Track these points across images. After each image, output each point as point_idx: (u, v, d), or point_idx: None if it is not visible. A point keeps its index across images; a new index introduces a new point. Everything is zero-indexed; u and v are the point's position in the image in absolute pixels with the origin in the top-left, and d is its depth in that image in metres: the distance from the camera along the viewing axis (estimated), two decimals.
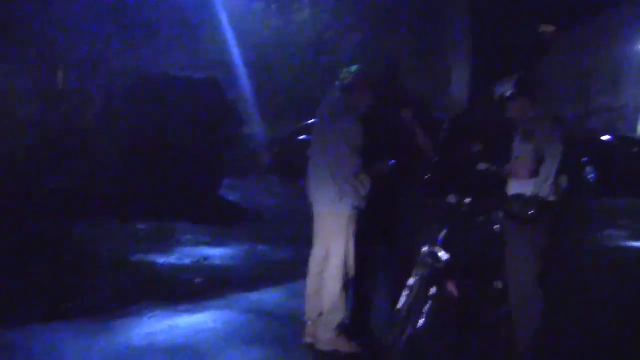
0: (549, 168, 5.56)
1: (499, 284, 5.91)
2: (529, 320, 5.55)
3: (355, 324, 6.15)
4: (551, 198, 5.54)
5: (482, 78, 27.64)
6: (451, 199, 5.65)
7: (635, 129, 32.44)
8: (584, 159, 22.18)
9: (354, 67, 6.07)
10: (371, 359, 5.83)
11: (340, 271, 5.83)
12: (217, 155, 14.32)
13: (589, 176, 22.08)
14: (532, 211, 5.46)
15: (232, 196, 14.38)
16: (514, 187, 5.68)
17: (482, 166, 5.98)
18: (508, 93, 5.78)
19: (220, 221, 11.96)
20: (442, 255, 5.48)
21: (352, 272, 5.87)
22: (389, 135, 6.21)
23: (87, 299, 7.21)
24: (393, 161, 5.86)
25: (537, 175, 5.59)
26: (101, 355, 5.84)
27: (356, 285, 6.16)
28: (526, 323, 5.56)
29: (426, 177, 6.44)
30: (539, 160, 5.60)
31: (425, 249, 5.52)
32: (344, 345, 5.89)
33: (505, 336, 5.71)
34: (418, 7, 29.13)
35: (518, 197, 5.57)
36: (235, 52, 21.27)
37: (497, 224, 5.86)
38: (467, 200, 5.63)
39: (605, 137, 24.06)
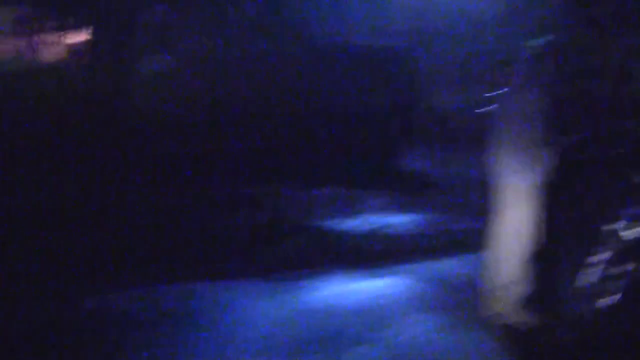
0: None
1: None
2: None
3: (540, 297, 6.04)
4: None
5: None
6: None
7: None
8: None
9: (543, 38, 5.92)
10: (554, 334, 5.72)
11: (523, 243, 5.75)
12: (400, 124, 14.40)
13: None
14: None
15: (414, 165, 14.36)
16: None
17: None
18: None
19: (401, 190, 12.00)
20: (633, 231, 5.28)
21: (537, 244, 5.77)
22: (587, 110, 6.01)
23: (271, 261, 7.47)
24: (579, 136, 5.67)
25: None
26: (284, 315, 6.06)
27: (542, 258, 6.05)
28: None
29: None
30: None
31: (623, 222, 5.33)
32: (525, 318, 5.81)
33: None
34: None
35: None
36: (425, 19, 20.93)
37: None
38: None
39: None
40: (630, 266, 5.27)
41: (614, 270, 5.25)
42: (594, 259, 5.35)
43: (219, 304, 6.25)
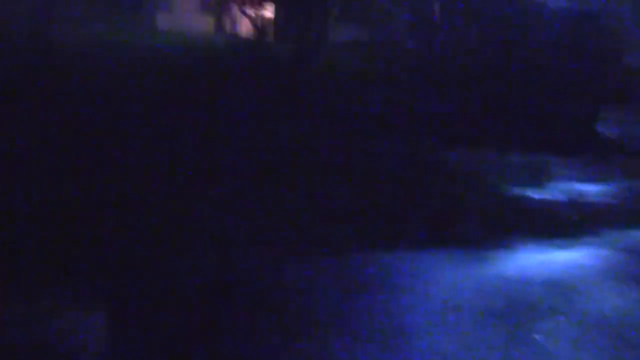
0: None
1: None
2: None
3: None
4: None
5: None
6: None
7: None
8: None
9: None
10: None
11: None
12: (595, 88, 13.92)
13: None
14: None
15: (609, 130, 13.87)
16: None
17: None
18: None
19: (596, 156, 11.63)
20: None
21: None
22: None
23: (460, 227, 7.44)
24: None
25: None
26: (474, 284, 6.01)
27: None
28: None
29: None
30: None
31: None
32: None
33: None
34: None
35: None
36: None
37: None
38: None
39: None
40: None
41: None
42: None
43: (409, 273, 6.28)
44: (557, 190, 9.20)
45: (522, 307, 5.56)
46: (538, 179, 9.74)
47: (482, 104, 13.35)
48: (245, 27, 23.36)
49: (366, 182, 8.64)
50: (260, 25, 20.48)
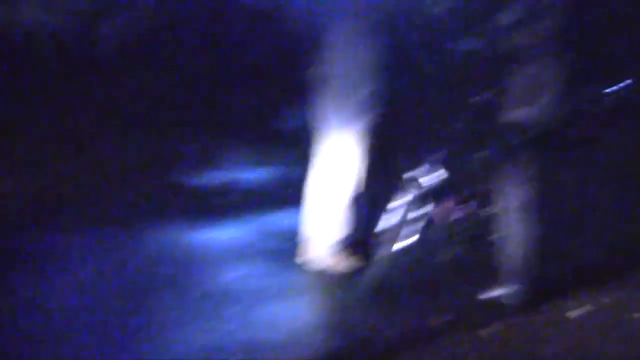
0: (544, 95, 5.55)
1: (490, 209, 6.00)
2: (515, 247, 5.63)
3: (356, 246, 6.35)
4: (546, 125, 5.53)
5: None
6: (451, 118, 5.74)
7: None
8: None
9: None
10: (360, 276, 6.02)
11: (339, 193, 6.01)
12: (276, 82, 14.47)
13: None
14: (525, 137, 5.48)
15: (289, 119, 14.53)
16: (511, 115, 5.67)
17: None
18: None
19: (271, 144, 12.14)
20: (431, 178, 5.59)
21: (351, 192, 6.06)
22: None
23: (112, 210, 7.58)
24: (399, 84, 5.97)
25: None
26: (112, 260, 6.25)
27: (358, 207, 6.37)
28: (512, 249, 5.64)
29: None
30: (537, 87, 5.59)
31: (421, 168, 5.64)
32: (335, 264, 6.10)
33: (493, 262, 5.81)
34: None
35: (513, 123, 5.58)
36: None
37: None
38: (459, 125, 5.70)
39: None
40: (425, 210, 5.60)
41: (412, 215, 5.56)
42: (396, 204, 5.65)
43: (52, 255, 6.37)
44: (216, 176, 9.56)
45: (149, 283, 5.83)
46: (202, 165, 10.05)
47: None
48: None
49: None
50: None
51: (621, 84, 21.93)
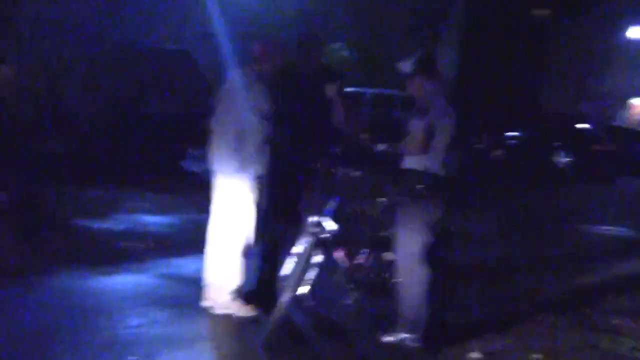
0: (439, 144, 5.74)
1: (389, 256, 6.16)
2: (414, 292, 5.76)
3: (259, 291, 6.40)
4: (442, 173, 5.73)
5: (472, 59, 27.72)
6: (340, 171, 5.86)
7: (619, 118, 32.72)
8: (556, 144, 22.60)
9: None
10: (264, 321, 6.07)
11: (236, 239, 6.07)
12: (184, 126, 14.54)
13: (561, 160, 22.48)
14: (422, 185, 5.66)
15: (195, 167, 14.58)
16: (407, 163, 5.88)
17: (381, 146, 6.19)
18: (408, 71, 5.96)
19: (176, 191, 12.17)
20: (330, 225, 5.70)
21: (251, 239, 6.13)
22: (305, 109, 6.42)
23: (17, 258, 7.44)
24: (289, 131, 6.07)
25: (429, 152, 5.78)
26: (13, 308, 6.11)
27: (262, 254, 6.45)
28: (411, 295, 5.77)
29: (336, 151, 6.67)
30: (431, 136, 5.77)
31: (313, 218, 5.74)
32: (238, 310, 6.13)
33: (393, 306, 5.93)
34: None
35: (409, 171, 5.78)
36: (218, 25, 21.43)
37: (389, 198, 6.05)
38: (357, 173, 5.84)
39: (581, 125, 24.42)
40: (327, 255, 5.70)
41: (315, 260, 5.65)
42: (298, 249, 5.73)
43: None
44: (121, 221, 9.51)
45: (46, 330, 5.72)
46: (108, 211, 10.00)
47: (82, 143, 13.39)
48: None
49: None
50: None
51: (518, 132, 22.86)
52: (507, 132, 24.06)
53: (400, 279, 5.86)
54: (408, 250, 5.78)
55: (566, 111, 32.22)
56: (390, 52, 30.62)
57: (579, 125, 24.20)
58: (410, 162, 5.85)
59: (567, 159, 22.26)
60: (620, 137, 23.81)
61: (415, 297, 5.79)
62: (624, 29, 33.77)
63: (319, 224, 5.71)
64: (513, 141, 23.88)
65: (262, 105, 6.00)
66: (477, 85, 28.39)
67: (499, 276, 8.37)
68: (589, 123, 24.63)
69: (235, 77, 6.24)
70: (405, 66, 5.99)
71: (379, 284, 6.22)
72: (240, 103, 6.06)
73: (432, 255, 5.77)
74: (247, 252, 6.20)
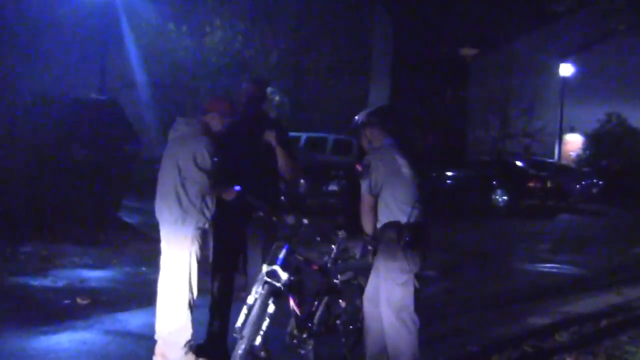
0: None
1: (343, 304, 6.28)
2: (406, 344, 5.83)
3: (211, 344, 6.44)
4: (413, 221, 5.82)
5: (401, 98, 28.29)
6: (289, 219, 5.97)
7: (552, 154, 33.44)
8: (493, 182, 23.07)
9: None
10: None
11: (184, 291, 6.11)
12: (117, 176, 14.53)
13: (499, 199, 22.93)
14: (408, 237, 5.74)
15: (129, 218, 14.52)
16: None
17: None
18: (358, 122, 6.12)
19: (113, 243, 12.10)
20: (282, 274, 5.78)
21: (195, 292, 6.17)
22: (248, 158, 6.52)
23: None
24: (238, 188, 6.15)
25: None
26: None
27: (211, 306, 6.50)
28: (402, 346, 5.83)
29: (281, 198, 6.78)
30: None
31: (266, 268, 5.82)
32: None
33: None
34: (338, 26, 29.85)
35: (391, 224, 5.82)
36: (143, 74, 21.62)
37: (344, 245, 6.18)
38: (305, 221, 5.95)
39: (518, 162, 24.98)
40: (274, 307, 5.77)
41: (259, 313, 5.71)
42: (250, 300, 5.79)
43: None
44: (60, 277, 9.44)
45: None
46: (45, 267, 9.91)
47: (10, 196, 13.22)
48: None
49: None
50: None
51: (453, 171, 22.94)
52: (443, 170, 24.52)
53: (361, 324, 6.01)
54: (392, 303, 5.80)
55: (495, 148, 32.94)
56: (318, 93, 31.34)
57: (515, 162, 24.86)
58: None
59: (505, 197, 22.81)
60: (555, 173, 24.50)
61: (376, 344, 5.89)
62: (553, 66, 34.65)
63: (270, 273, 5.79)
64: (449, 181, 24.37)
65: (206, 156, 6.08)
66: (407, 125, 28.97)
67: (444, 314, 8.57)
68: (520, 161, 25.34)
69: (179, 127, 6.31)
70: (359, 117, 6.14)
71: (332, 332, 6.35)
72: (183, 153, 6.12)
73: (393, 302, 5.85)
74: (194, 305, 6.22)
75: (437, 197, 21.73)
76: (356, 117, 6.16)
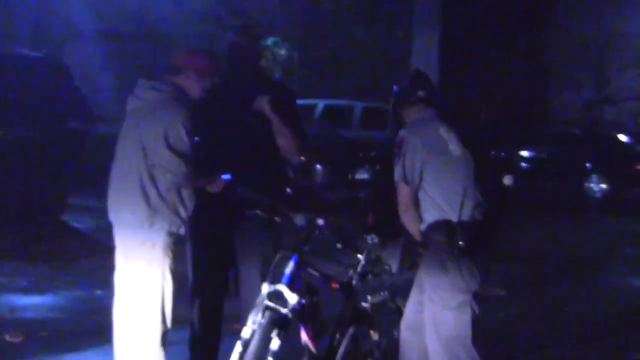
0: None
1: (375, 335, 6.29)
2: None
3: None
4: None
5: (455, 51, 28.14)
6: (300, 220, 5.95)
7: None
8: (587, 165, 22.93)
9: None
10: None
11: (154, 323, 6.09)
12: (60, 165, 14.46)
13: (594, 188, 22.81)
14: (461, 242, 5.74)
15: (78, 222, 14.55)
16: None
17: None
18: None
19: (56, 257, 12.14)
20: (289, 296, 5.77)
21: (169, 323, 6.17)
22: (236, 134, 6.52)
23: None
24: (227, 176, 6.13)
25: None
26: None
27: (194, 343, 6.53)
28: None
29: (287, 191, 6.78)
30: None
31: (266, 288, 5.81)
32: None
33: None
34: None
35: (438, 225, 5.83)
36: (94, 20, 21.60)
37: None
38: (321, 222, 5.93)
39: (621, 136, 24.73)
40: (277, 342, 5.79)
41: (260, 349, 5.73)
42: (246, 333, 5.81)
43: None
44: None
45: None
46: None
47: None
48: None
49: None
50: None
51: (531, 151, 23.07)
52: (516, 150, 24.41)
53: None
54: (441, 333, 5.84)
55: (588, 117, 32.66)
56: (343, 50, 31.02)
57: (616, 137, 24.63)
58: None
59: (603, 185, 22.68)
60: None
61: None
62: None
63: (273, 296, 5.78)
64: (525, 163, 24.26)
65: (182, 132, 6.03)
66: (464, 90, 28.86)
67: (516, 349, 8.57)
68: (624, 134, 25.07)
69: (143, 92, 6.27)
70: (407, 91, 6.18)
71: None
72: (150, 129, 6.07)
73: None
74: (167, 338, 6.22)
75: (507, 186, 21.62)
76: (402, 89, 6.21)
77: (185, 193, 6.08)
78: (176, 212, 6.06)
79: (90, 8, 22.32)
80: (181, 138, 5.98)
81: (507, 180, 23.31)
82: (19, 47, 18.23)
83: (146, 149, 6.04)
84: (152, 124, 6.05)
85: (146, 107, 6.17)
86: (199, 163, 6.10)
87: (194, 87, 6.25)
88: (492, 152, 22.85)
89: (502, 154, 23.74)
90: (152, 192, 6.02)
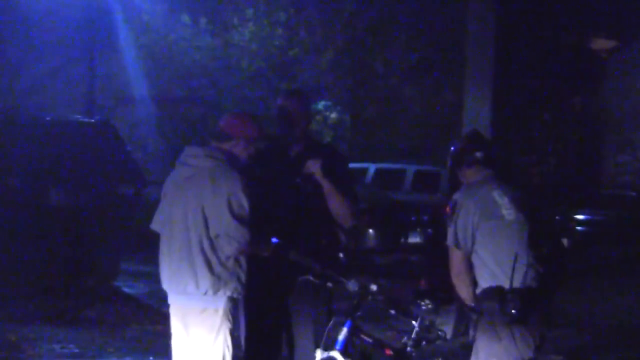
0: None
1: None
2: None
3: None
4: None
5: (506, 116, 27.97)
6: (352, 285, 5.93)
7: None
8: None
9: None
10: None
11: None
12: (113, 230, 14.48)
13: None
14: (514, 309, 5.71)
15: (130, 288, 14.56)
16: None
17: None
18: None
19: (108, 323, 12.14)
20: None
21: None
22: (286, 198, 6.54)
23: None
24: (276, 240, 6.13)
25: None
26: None
27: None
28: None
29: (339, 255, 6.78)
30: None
31: (320, 355, 5.80)
32: None
33: None
34: (417, 11, 29.35)
35: (491, 291, 5.83)
36: (145, 85, 21.74)
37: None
38: (374, 287, 5.92)
39: None
40: None
41: None
42: None
43: None
44: None
45: None
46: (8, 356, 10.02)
47: None
48: None
49: None
50: None
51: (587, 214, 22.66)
52: (572, 213, 24.19)
53: None
54: None
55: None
56: (394, 112, 30.86)
57: None
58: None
59: None
60: None
61: None
62: None
63: None
64: (580, 227, 24.05)
65: (243, 200, 6.03)
66: (517, 152, 28.72)
67: None
68: None
69: (196, 160, 6.29)
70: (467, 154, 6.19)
71: None
72: (212, 199, 6.07)
73: None
74: None
75: (563, 249, 21.34)
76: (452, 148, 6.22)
77: (243, 258, 6.10)
78: (237, 278, 6.08)
79: (141, 73, 22.49)
80: (243, 205, 6.00)
81: (564, 243, 23.05)
82: (73, 113, 18.39)
83: (209, 219, 6.05)
84: (213, 194, 6.05)
85: (201, 174, 6.17)
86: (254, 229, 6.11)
87: (241, 153, 6.28)
88: (551, 216, 22.62)
89: (557, 217, 23.51)
90: (214, 260, 6.03)
